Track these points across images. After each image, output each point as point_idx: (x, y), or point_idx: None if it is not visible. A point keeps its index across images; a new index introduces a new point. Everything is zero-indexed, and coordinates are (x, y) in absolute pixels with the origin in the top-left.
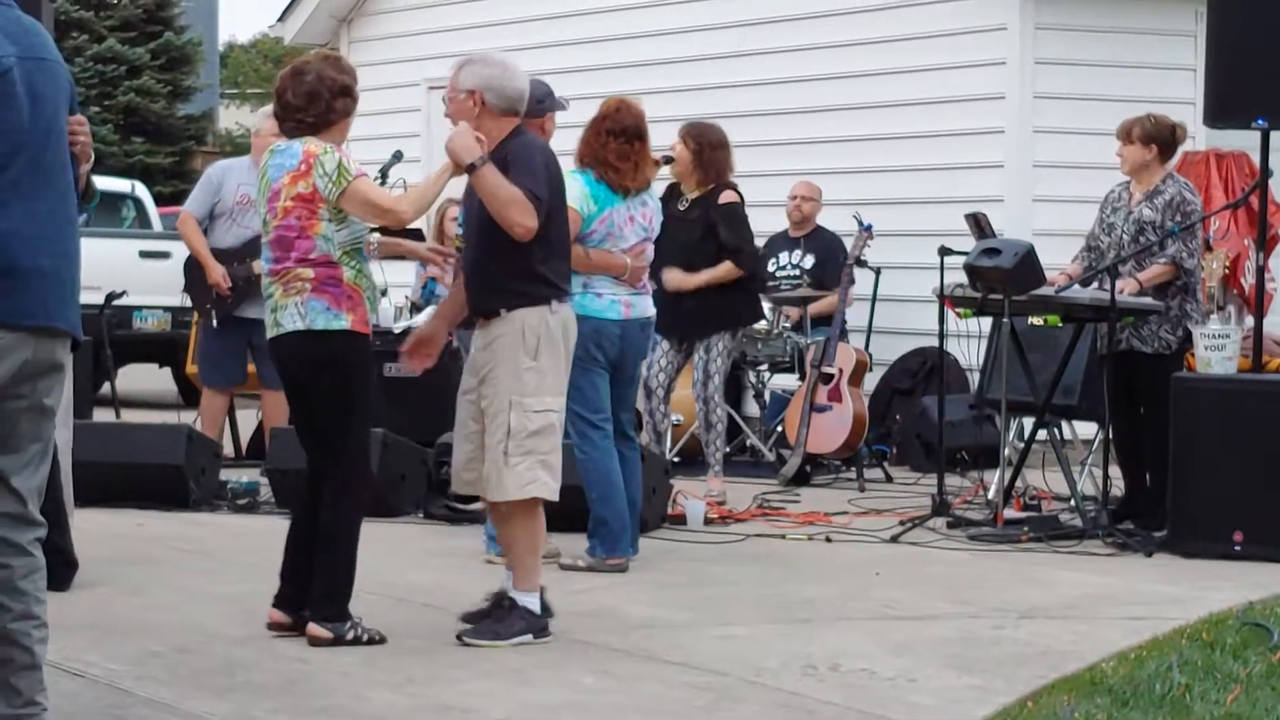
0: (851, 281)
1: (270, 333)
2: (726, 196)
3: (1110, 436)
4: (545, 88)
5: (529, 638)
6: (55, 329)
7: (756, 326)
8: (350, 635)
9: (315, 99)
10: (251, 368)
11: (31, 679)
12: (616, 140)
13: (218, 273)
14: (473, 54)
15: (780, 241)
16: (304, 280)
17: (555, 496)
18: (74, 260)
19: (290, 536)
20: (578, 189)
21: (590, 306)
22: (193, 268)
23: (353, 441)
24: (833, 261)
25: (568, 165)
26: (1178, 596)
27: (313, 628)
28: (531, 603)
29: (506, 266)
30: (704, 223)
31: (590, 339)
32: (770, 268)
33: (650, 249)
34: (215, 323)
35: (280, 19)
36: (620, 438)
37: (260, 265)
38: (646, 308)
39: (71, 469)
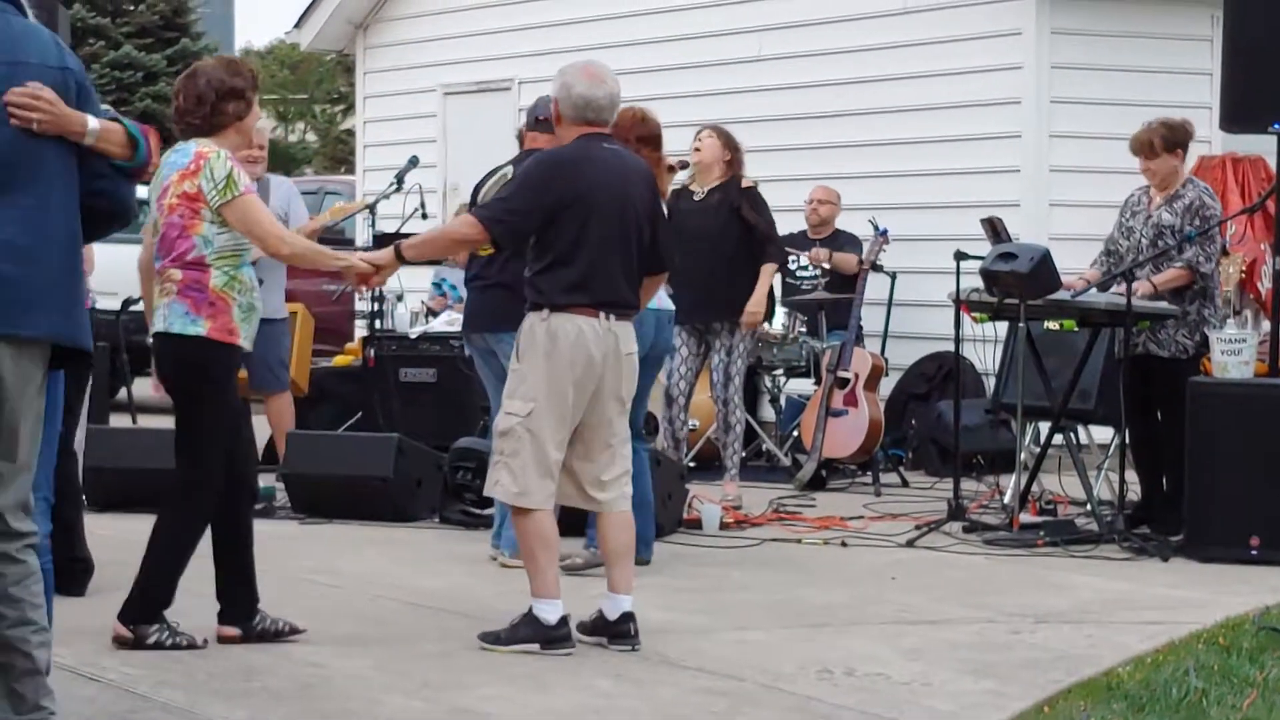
0: (877, 252)
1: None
2: (748, 182)
3: (1126, 441)
4: (543, 105)
5: (534, 647)
6: (16, 337)
7: (772, 330)
8: (153, 639)
9: (201, 101)
10: (243, 374)
11: (35, 684)
12: (648, 148)
13: None
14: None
15: (800, 242)
16: (173, 282)
17: (515, 501)
18: (46, 266)
19: (214, 553)
20: None
21: None
22: None
23: (198, 449)
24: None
25: None
26: (1194, 601)
27: (116, 626)
28: (544, 611)
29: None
30: (728, 206)
31: (636, 326)
32: (790, 266)
33: None
34: None
35: (296, 25)
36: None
37: None
38: (667, 301)
39: (82, 473)
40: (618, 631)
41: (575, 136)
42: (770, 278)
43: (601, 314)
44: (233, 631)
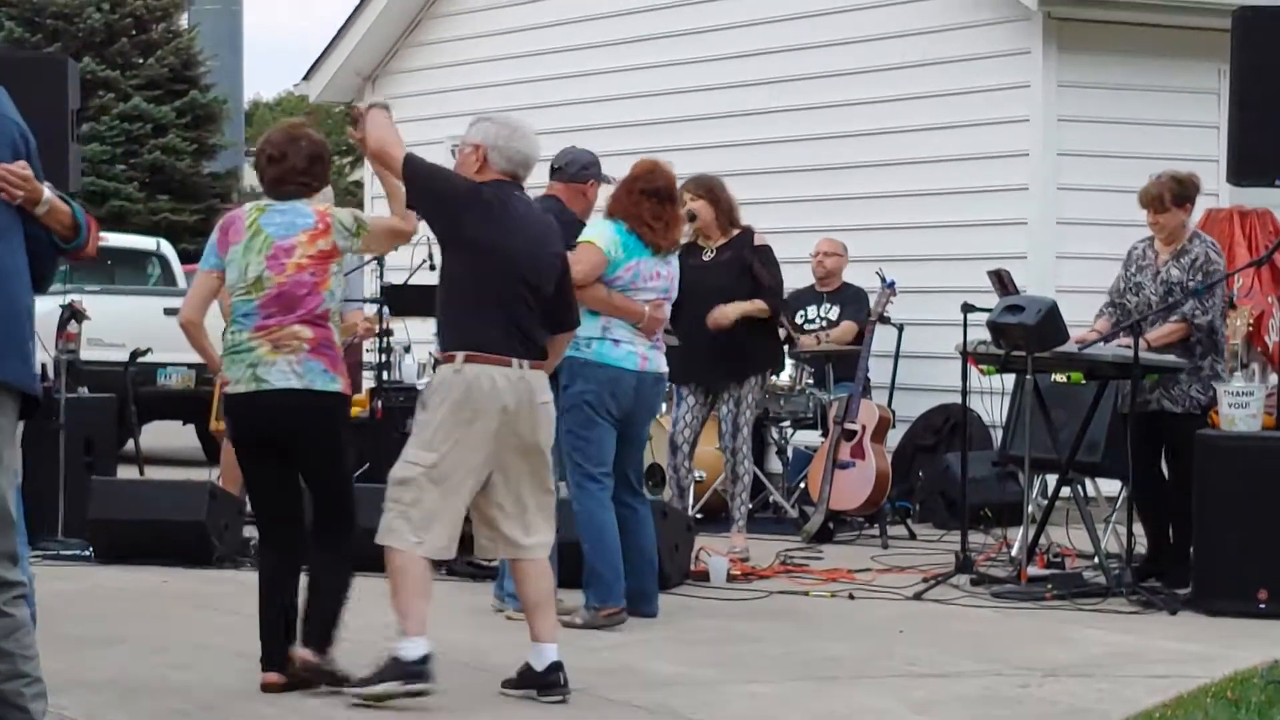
0: (885, 304)
1: (243, 388)
2: (760, 240)
3: (1133, 493)
4: (590, 156)
5: (395, 685)
6: None
7: (780, 382)
8: (338, 671)
9: (318, 161)
10: None
11: None
12: (650, 200)
13: None
14: (488, 114)
15: (808, 295)
16: (301, 339)
17: (415, 550)
18: (8, 310)
19: (271, 595)
20: (608, 234)
21: (608, 355)
22: None
23: (346, 494)
24: (860, 313)
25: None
26: (1202, 654)
27: (306, 653)
28: (403, 650)
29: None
30: (738, 264)
31: (606, 388)
32: (798, 320)
33: (667, 308)
34: None
35: (305, 77)
36: (630, 493)
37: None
38: (661, 363)
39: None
40: (547, 682)
41: (491, 179)
42: (756, 309)
43: (515, 362)
44: (281, 679)
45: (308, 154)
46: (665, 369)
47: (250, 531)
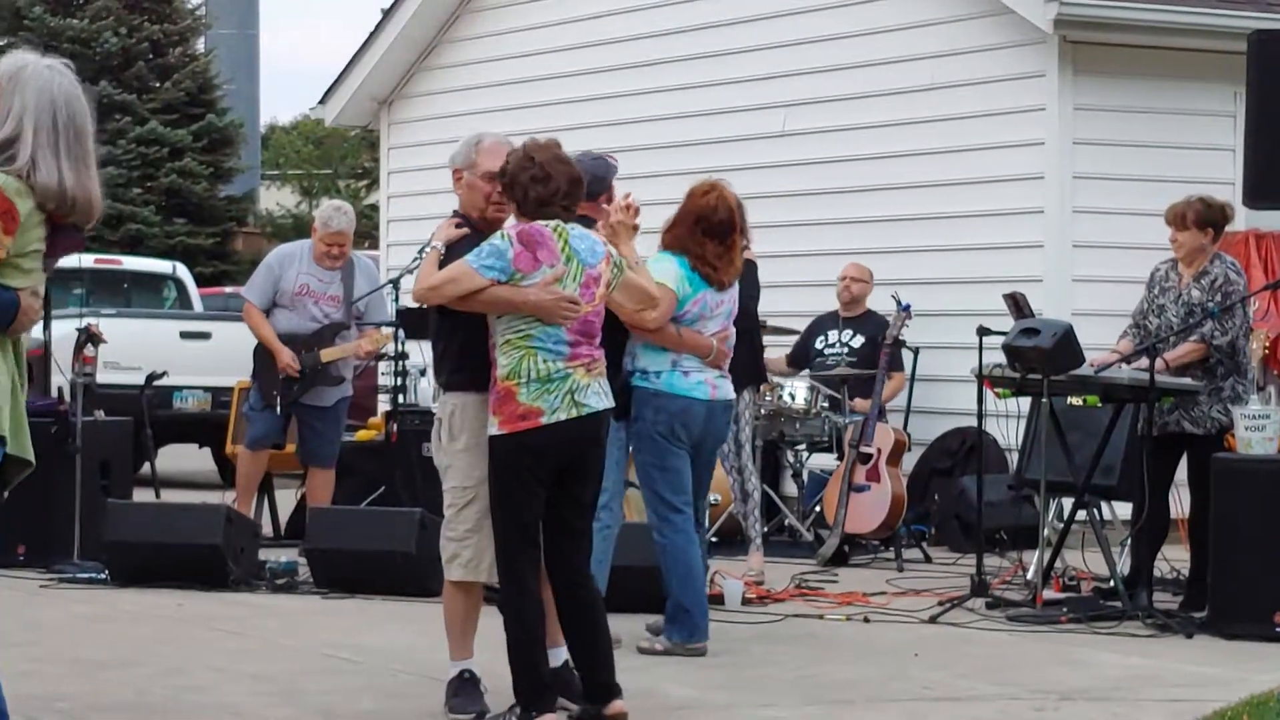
0: (895, 366)
1: (563, 415)
2: (748, 254)
3: (1148, 517)
4: (601, 165)
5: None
6: None
7: (795, 405)
8: None
9: (578, 184)
10: (291, 446)
11: None
12: (713, 241)
13: (286, 356)
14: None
15: (829, 320)
16: (600, 362)
17: None
18: None
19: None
20: (674, 271)
21: (678, 385)
22: (261, 354)
23: None
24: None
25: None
26: (1218, 678)
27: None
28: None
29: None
30: None
31: (677, 418)
32: (819, 345)
33: (733, 333)
34: (280, 409)
35: (321, 101)
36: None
37: (330, 353)
38: (729, 391)
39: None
40: None
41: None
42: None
43: None
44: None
45: (570, 177)
46: (733, 395)
47: (266, 554)
